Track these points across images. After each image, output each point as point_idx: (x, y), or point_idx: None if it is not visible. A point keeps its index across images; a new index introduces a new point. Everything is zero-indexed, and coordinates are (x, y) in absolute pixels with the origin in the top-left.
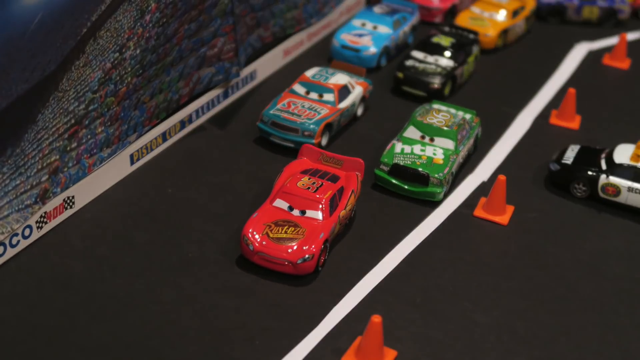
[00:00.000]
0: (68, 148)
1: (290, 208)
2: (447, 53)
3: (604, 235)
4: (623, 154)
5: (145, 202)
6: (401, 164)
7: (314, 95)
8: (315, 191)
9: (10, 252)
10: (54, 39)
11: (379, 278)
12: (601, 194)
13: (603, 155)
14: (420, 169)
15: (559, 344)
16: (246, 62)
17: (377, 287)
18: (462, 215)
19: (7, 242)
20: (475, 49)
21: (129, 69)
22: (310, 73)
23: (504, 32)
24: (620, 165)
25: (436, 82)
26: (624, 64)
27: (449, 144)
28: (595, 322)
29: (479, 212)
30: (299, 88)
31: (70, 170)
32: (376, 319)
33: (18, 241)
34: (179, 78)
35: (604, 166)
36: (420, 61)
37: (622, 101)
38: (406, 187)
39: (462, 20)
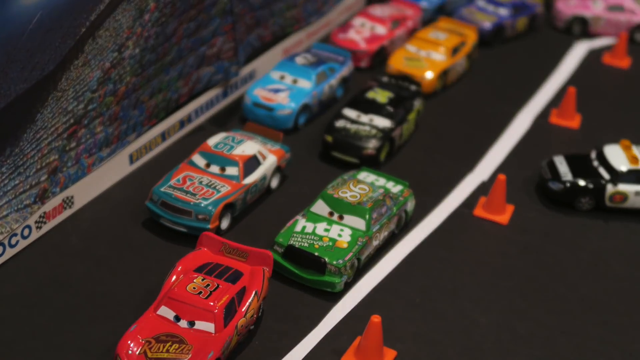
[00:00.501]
0: (67, 148)
1: (177, 318)
2: (384, 111)
3: (604, 235)
4: (618, 158)
5: (144, 202)
6: (296, 245)
7: (214, 169)
8: (207, 296)
9: (10, 252)
10: (53, 38)
11: (379, 278)
12: (608, 203)
13: (596, 163)
14: (316, 254)
15: (558, 343)
16: (245, 61)
17: (377, 286)
18: (462, 214)
19: (6, 242)
20: (417, 104)
21: (128, 69)
22: (213, 141)
23: (444, 73)
24: (625, 171)
25: (370, 147)
26: (624, 62)
27: (360, 224)
28: (595, 321)
29: (479, 211)
30: (198, 159)
31: (70, 170)
32: (376, 319)
33: (17, 241)
34: (178, 77)
35: (606, 175)
36: (353, 121)
37: (622, 100)
38: (300, 273)
39: (397, 61)
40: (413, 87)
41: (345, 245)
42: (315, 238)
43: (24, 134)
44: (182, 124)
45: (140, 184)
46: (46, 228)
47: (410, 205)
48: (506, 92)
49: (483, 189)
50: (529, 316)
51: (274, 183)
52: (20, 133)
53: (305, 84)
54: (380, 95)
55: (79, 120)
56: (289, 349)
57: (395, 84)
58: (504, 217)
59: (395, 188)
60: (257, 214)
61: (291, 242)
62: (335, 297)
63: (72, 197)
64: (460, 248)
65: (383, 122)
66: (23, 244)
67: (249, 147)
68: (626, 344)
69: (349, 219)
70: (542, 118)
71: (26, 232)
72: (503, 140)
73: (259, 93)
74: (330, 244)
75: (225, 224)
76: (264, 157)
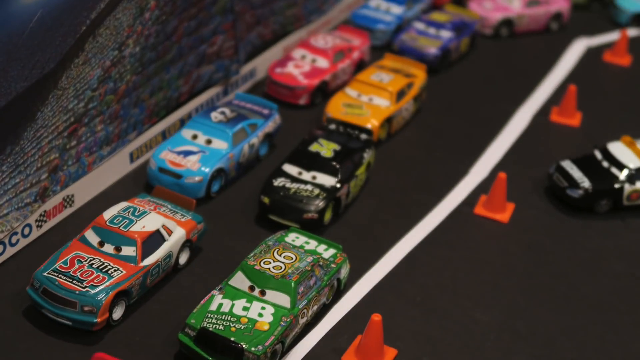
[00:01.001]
0: (67, 146)
1: None
2: (329, 168)
3: (605, 233)
4: (627, 155)
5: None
6: (210, 329)
7: (108, 248)
8: None
9: (10, 251)
10: (54, 36)
11: (380, 276)
12: (626, 202)
13: (606, 164)
14: (232, 339)
15: (559, 342)
16: (246, 60)
17: (377, 285)
18: (463, 213)
19: (6, 241)
20: (368, 155)
21: (129, 67)
22: (109, 214)
23: (388, 121)
24: (639, 169)
25: (312, 209)
26: (625, 60)
27: (284, 301)
28: (596, 320)
29: (479, 209)
30: (91, 236)
31: (70, 169)
32: (376, 317)
33: (18, 240)
34: (179, 76)
35: (621, 176)
36: (294, 179)
37: (623, 98)
38: None
39: (334, 107)
40: (363, 136)
41: (266, 327)
42: (232, 319)
43: (25, 133)
44: (182, 122)
45: (141, 183)
46: (47, 227)
47: (344, 272)
48: (505, 89)
49: (483, 187)
50: (529, 314)
51: (183, 259)
52: (20, 131)
53: (220, 144)
54: (326, 148)
55: (79, 119)
56: (289, 348)
57: (344, 132)
58: (504, 215)
59: (327, 252)
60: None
61: (204, 324)
62: (335, 296)
63: (72, 195)
64: (460, 246)
65: (327, 180)
66: (23, 242)
67: (151, 220)
68: (627, 343)
69: (271, 295)
70: (542, 116)
71: (26, 230)
72: (503, 138)
73: (166, 157)
74: (250, 325)
75: (118, 314)
76: (170, 232)
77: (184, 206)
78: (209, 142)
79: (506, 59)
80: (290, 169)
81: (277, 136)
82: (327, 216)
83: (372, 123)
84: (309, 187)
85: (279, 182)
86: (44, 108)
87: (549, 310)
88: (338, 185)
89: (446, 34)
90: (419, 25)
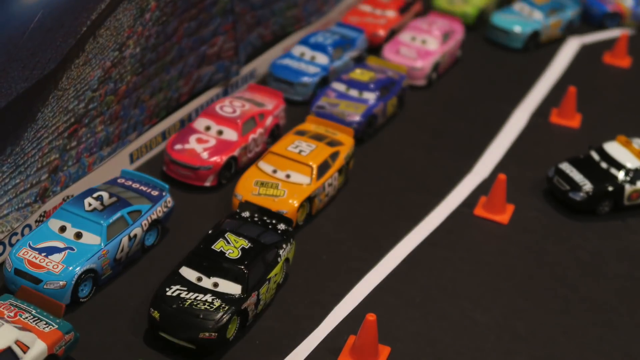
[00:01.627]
0: (68, 147)
1: None
2: (234, 273)
3: (604, 235)
4: (624, 156)
5: None
6: None
7: None
8: None
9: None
10: (54, 37)
11: (380, 278)
12: (626, 202)
13: (605, 165)
14: None
15: (558, 343)
16: (246, 61)
17: (377, 286)
18: (463, 214)
19: (6, 241)
20: (285, 252)
21: (129, 68)
22: None
23: (309, 200)
24: (637, 169)
25: (210, 327)
26: (625, 62)
27: None
28: (595, 321)
29: (479, 211)
30: None
31: (70, 169)
32: (371, 317)
33: (18, 240)
34: (179, 76)
35: (621, 176)
36: (191, 287)
37: (622, 99)
38: None
39: (245, 187)
40: (281, 227)
41: None
42: None
43: (25, 133)
44: (182, 123)
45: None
46: None
47: None
48: (502, 89)
49: (483, 188)
50: (529, 316)
51: None
52: (21, 132)
53: (92, 239)
54: (233, 246)
55: (79, 119)
56: (289, 349)
57: (259, 221)
58: (504, 216)
59: None
60: None
61: None
62: (336, 297)
63: (72, 196)
64: (460, 248)
65: (232, 289)
66: None
67: (2, 335)
68: (626, 344)
69: None
70: (538, 116)
71: (27, 231)
72: (503, 139)
73: (25, 255)
74: None
75: None
76: (26, 348)
77: (51, 311)
78: (78, 235)
79: (501, 59)
80: (188, 273)
81: (167, 221)
82: (230, 333)
83: (289, 205)
84: (209, 297)
85: (173, 291)
86: (45, 109)
87: (549, 312)
88: (244, 295)
89: (370, 96)
90: (339, 87)
